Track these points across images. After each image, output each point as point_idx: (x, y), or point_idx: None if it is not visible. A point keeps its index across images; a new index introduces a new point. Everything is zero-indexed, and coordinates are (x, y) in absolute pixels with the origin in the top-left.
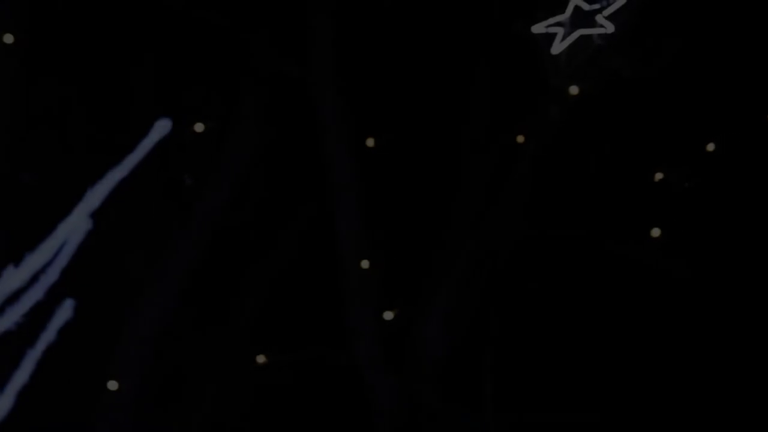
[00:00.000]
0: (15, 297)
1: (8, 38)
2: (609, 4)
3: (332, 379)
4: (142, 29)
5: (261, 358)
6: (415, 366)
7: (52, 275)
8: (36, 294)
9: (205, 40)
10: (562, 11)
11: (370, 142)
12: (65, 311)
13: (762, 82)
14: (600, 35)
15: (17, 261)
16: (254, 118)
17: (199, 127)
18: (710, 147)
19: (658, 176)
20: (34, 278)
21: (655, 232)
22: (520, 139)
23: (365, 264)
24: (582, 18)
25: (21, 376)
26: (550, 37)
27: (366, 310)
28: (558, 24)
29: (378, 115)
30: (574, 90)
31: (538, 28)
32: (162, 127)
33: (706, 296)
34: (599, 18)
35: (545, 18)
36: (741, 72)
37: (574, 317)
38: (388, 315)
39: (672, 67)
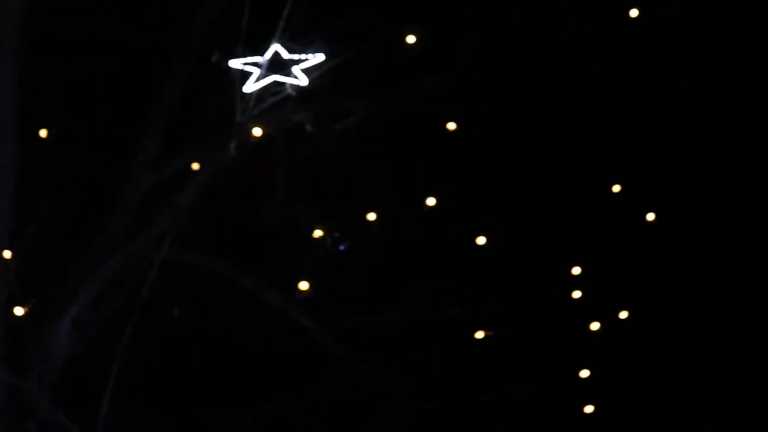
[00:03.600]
0: None
1: None
2: (307, 59)
3: None
4: None
5: None
6: (33, 369)
7: None
8: None
9: None
10: (262, 53)
11: (42, 133)
12: None
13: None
14: (293, 86)
15: None
16: None
17: None
18: (371, 216)
19: (318, 233)
20: None
21: (303, 286)
22: (195, 166)
23: (7, 254)
24: (279, 65)
25: None
26: (245, 75)
27: None
28: (255, 64)
29: (56, 108)
30: (257, 131)
31: (235, 63)
32: None
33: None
34: (296, 69)
35: (244, 55)
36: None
37: (213, 347)
38: (19, 310)
39: (357, 131)
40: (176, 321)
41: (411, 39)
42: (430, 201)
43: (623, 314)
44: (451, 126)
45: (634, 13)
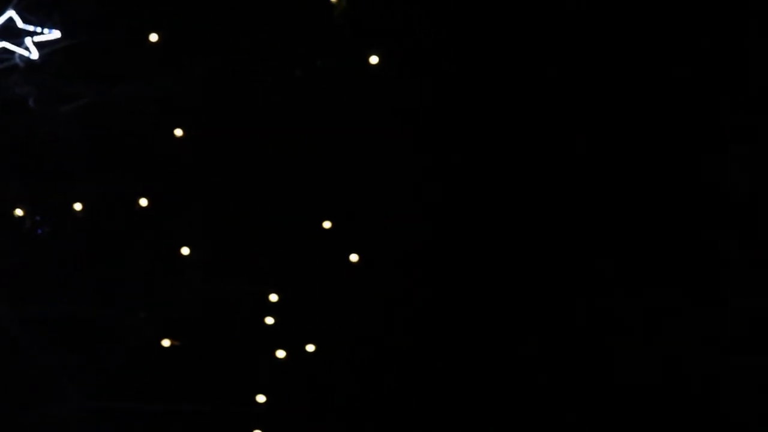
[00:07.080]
0: None
1: None
2: (42, 33)
3: None
4: None
5: None
6: None
7: None
8: None
9: None
10: None
11: None
12: None
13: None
14: (22, 57)
15: None
16: None
17: None
18: (78, 206)
19: (18, 212)
20: None
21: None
22: None
23: None
24: (12, 32)
25: None
26: None
27: None
28: None
29: None
30: None
31: None
32: None
33: None
34: (28, 40)
35: None
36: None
37: None
38: None
39: (80, 117)
40: None
41: (153, 37)
42: (143, 201)
43: (310, 347)
44: (178, 132)
45: (374, 60)
